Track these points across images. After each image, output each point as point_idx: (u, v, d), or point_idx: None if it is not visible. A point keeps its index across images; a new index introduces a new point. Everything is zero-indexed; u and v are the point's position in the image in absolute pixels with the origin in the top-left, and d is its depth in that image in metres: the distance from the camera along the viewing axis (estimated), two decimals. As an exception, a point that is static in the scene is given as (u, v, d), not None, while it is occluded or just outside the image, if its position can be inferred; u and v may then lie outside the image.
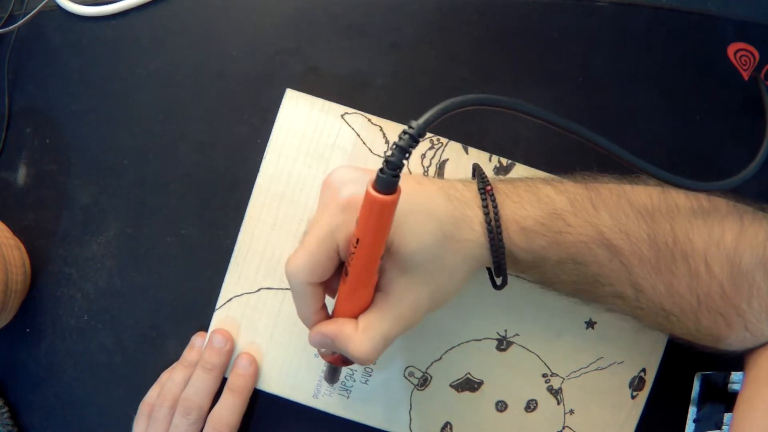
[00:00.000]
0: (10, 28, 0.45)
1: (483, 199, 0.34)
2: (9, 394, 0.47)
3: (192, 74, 0.44)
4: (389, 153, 0.27)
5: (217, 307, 0.43)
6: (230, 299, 0.43)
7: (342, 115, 0.42)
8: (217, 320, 0.43)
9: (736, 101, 0.44)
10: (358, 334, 0.32)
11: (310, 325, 0.34)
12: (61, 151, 0.46)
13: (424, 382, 0.43)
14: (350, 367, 0.42)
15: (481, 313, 0.43)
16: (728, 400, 0.44)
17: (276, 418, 0.44)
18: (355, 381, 0.43)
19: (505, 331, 0.43)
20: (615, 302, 0.37)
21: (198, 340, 0.43)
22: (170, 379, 0.42)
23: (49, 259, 0.46)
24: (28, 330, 0.47)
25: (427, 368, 0.43)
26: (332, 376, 0.39)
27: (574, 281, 0.36)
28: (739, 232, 0.35)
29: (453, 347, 0.43)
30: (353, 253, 0.30)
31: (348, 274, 0.31)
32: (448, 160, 0.42)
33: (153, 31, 0.45)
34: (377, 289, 0.33)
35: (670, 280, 0.35)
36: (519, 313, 0.43)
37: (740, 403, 0.37)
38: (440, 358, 0.43)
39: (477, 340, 0.43)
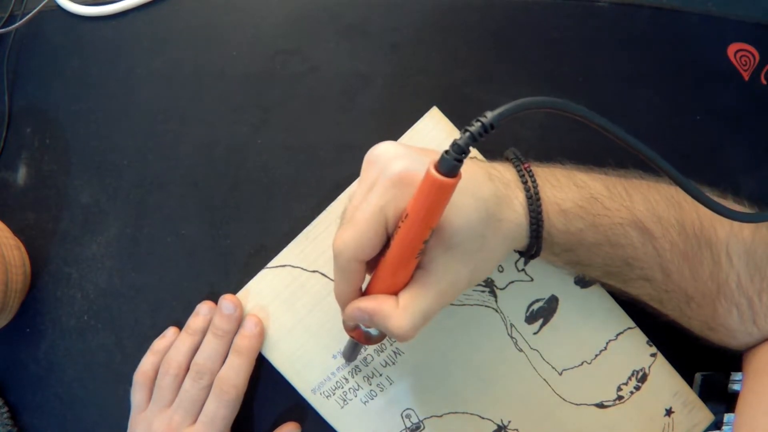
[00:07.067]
0: (10, 28, 0.45)
1: (521, 176, 0.35)
2: (9, 394, 0.47)
3: (192, 74, 0.44)
4: (458, 137, 0.26)
5: (268, 265, 0.42)
6: (284, 265, 0.42)
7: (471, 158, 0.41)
8: (262, 277, 0.42)
9: (736, 101, 0.44)
10: (399, 311, 0.31)
11: (346, 302, 0.34)
12: (61, 151, 0.46)
13: (416, 429, 0.43)
14: (358, 383, 0.42)
15: (498, 394, 0.42)
16: (728, 400, 0.44)
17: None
18: (356, 397, 0.42)
19: (509, 422, 0.42)
20: (643, 286, 0.37)
21: (204, 308, 0.43)
22: (175, 347, 0.42)
23: (49, 259, 0.46)
24: (28, 330, 0.47)
25: (425, 419, 0.42)
26: (351, 353, 0.38)
27: (607, 264, 0.36)
28: (755, 229, 0.37)
29: (457, 412, 0.42)
30: (400, 228, 0.30)
31: (392, 249, 0.31)
32: None
33: (153, 31, 0.45)
34: (417, 266, 0.32)
35: (695, 266, 0.36)
36: (529, 411, 0.42)
37: (743, 398, 0.37)
38: (441, 416, 0.42)
39: (481, 417, 0.42)
